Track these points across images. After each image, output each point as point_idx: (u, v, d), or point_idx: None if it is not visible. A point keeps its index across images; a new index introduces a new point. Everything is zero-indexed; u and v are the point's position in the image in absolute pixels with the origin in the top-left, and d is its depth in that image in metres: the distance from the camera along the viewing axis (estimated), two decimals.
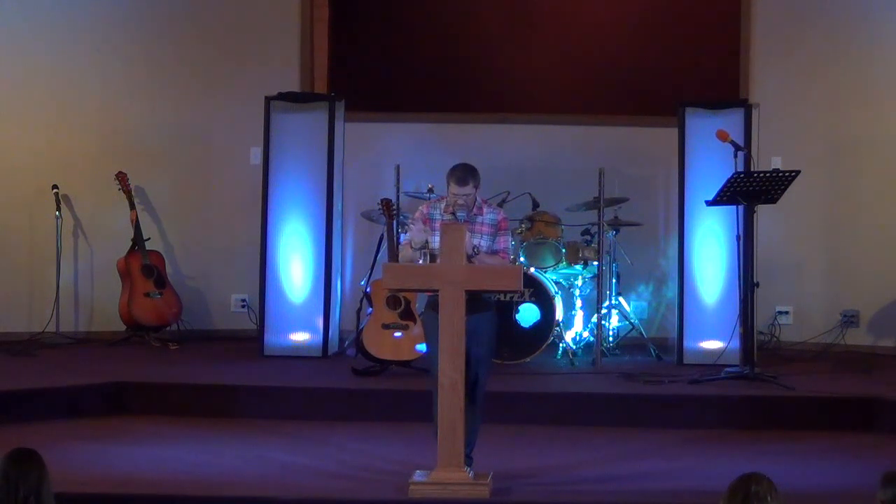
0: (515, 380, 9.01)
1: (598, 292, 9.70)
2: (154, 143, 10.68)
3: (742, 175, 8.90)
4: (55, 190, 10.46)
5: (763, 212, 9.33)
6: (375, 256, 9.75)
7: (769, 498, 4.25)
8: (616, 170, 10.23)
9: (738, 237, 9.01)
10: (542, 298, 9.53)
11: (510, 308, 9.44)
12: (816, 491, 6.87)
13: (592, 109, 10.83)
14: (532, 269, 9.61)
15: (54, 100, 10.57)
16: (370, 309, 9.28)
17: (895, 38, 10.36)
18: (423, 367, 8.20)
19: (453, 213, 6.96)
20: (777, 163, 10.08)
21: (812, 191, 10.22)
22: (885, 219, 10.34)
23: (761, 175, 8.96)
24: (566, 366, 9.58)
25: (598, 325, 9.62)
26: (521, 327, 9.51)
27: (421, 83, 10.94)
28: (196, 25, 10.75)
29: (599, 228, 9.69)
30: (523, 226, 9.78)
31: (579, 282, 10.00)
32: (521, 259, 9.66)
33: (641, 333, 10.10)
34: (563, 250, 9.81)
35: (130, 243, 10.36)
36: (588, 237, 9.96)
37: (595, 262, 9.75)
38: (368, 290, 9.38)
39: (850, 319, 10.37)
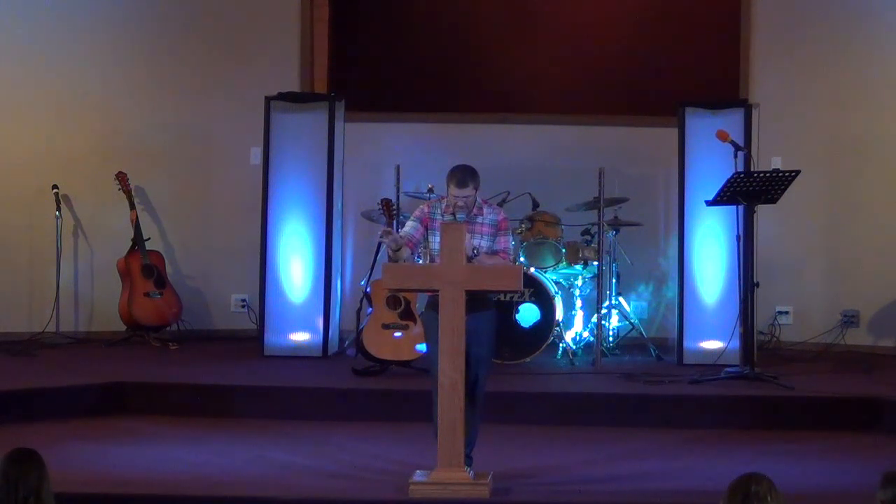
0: (515, 380, 9.01)
1: (598, 292, 9.70)
2: (154, 143, 10.68)
3: (742, 175, 8.90)
4: (55, 190, 10.46)
5: (763, 212, 9.33)
6: (375, 256, 9.75)
7: (769, 498, 4.25)
8: (616, 170, 10.23)
9: (738, 237, 9.01)
10: (542, 298, 9.53)
11: (510, 308, 9.45)
12: (816, 491, 6.87)
13: (592, 109, 10.83)
14: (532, 269, 9.62)
15: (54, 100, 10.58)
16: (370, 309, 9.29)
17: (895, 38, 10.36)
18: (423, 367, 8.20)
19: (453, 215, 6.97)
20: (777, 163, 10.08)
21: (812, 191, 10.22)
22: (884, 219, 10.34)
23: (761, 175, 8.96)
24: (566, 366, 9.58)
25: (598, 325, 9.62)
26: (521, 327, 9.52)
27: (421, 83, 10.94)
28: (196, 25, 10.76)
29: (599, 228, 9.69)
30: (523, 226, 9.78)
31: (579, 282, 10.00)
32: (521, 259, 9.66)
33: (641, 333, 10.10)
34: (563, 250, 9.81)
35: (130, 243, 10.36)
36: (588, 237, 9.96)
37: (595, 262, 9.75)
38: (368, 290, 9.38)
39: (850, 319, 10.37)
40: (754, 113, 9.68)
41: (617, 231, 10.07)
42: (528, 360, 9.50)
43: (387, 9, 11.06)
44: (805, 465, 7.41)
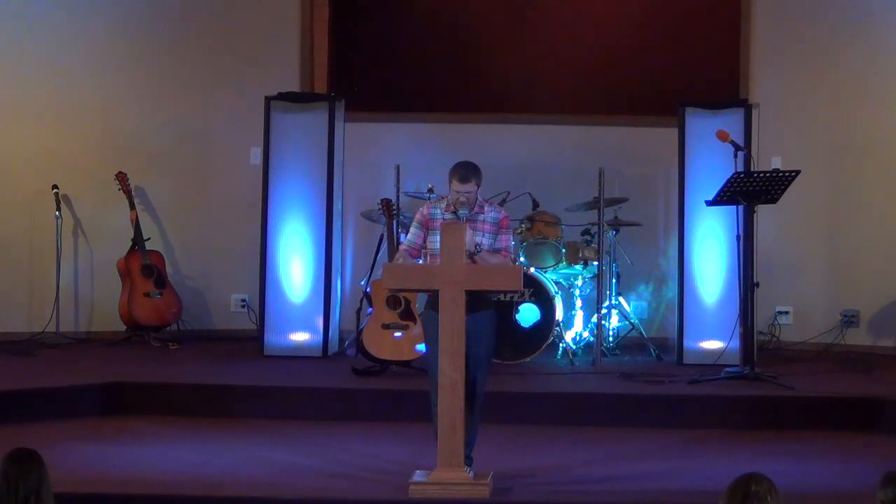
0: (515, 380, 9.01)
1: (598, 292, 9.70)
2: (154, 143, 10.68)
3: (742, 175, 8.90)
4: (55, 190, 10.46)
5: (763, 212, 9.33)
6: (375, 256, 9.75)
7: (769, 498, 4.25)
8: (616, 170, 10.23)
9: (738, 237, 9.01)
10: (542, 298, 9.53)
11: (510, 308, 9.45)
12: (816, 491, 6.87)
13: (592, 109, 10.83)
14: (532, 269, 9.62)
15: (54, 100, 10.57)
16: (370, 309, 9.28)
17: (895, 37, 10.36)
18: (423, 367, 8.19)
19: (455, 212, 6.96)
20: (777, 163, 10.08)
21: (812, 191, 10.22)
22: (885, 219, 10.34)
23: (761, 175, 8.96)
24: (566, 366, 9.58)
25: (598, 325, 9.62)
26: (521, 327, 9.51)
27: (421, 83, 10.94)
28: (196, 25, 10.75)
29: (599, 228, 9.69)
30: (523, 226, 9.78)
31: (579, 282, 10.00)
32: (521, 259, 9.66)
33: (641, 333, 10.10)
34: (563, 250, 9.81)
35: (130, 243, 10.36)
36: (588, 237, 9.96)
37: (595, 262, 9.75)
38: (368, 290, 9.38)
39: (850, 319, 10.37)
40: (754, 113, 9.68)
41: (617, 231, 10.07)
42: (528, 360, 9.50)
43: (387, 9, 11.05)
44: (805, 465, 7.40)
